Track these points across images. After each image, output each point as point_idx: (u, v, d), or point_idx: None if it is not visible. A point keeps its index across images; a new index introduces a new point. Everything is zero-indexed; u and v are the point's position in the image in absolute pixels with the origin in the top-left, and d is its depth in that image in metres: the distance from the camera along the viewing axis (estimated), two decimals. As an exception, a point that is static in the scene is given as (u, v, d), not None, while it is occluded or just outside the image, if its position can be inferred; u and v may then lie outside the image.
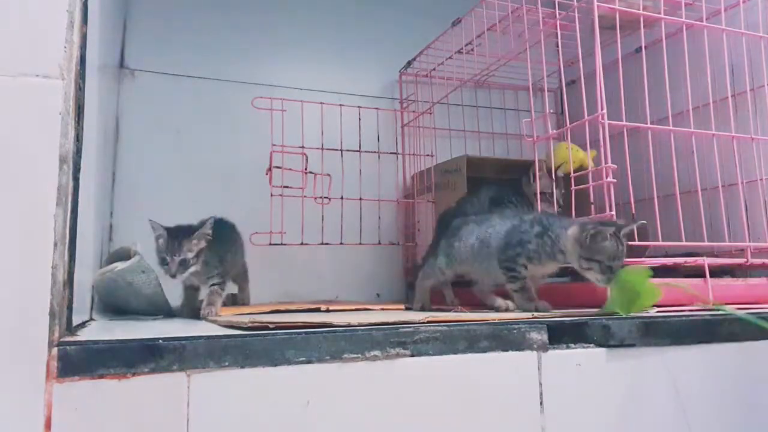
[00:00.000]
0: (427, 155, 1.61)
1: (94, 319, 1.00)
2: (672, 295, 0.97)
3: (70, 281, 0.62)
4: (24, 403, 0.55)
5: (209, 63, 1.57)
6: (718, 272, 1.09)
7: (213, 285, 1.05)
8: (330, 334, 0.65)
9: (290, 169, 1.40)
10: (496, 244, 1.03)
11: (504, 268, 1.01)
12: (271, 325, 0.67)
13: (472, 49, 1.41)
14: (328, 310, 1.06)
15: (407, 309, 1.17)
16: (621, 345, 0.77)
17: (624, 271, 0.89)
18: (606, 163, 1.00)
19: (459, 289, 1.17)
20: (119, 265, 1.03)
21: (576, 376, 0.74)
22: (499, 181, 1.39)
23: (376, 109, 1.59)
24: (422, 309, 1.12)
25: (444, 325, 0.71)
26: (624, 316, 0.83)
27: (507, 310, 1.02)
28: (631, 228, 0.94)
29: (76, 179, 0.64)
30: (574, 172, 1.09)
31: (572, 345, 0.76)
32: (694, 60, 1.19)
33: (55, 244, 0.59)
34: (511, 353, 0.72)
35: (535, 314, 0.85)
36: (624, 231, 0.92)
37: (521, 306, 0.99)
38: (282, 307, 1.05)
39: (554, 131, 1.25)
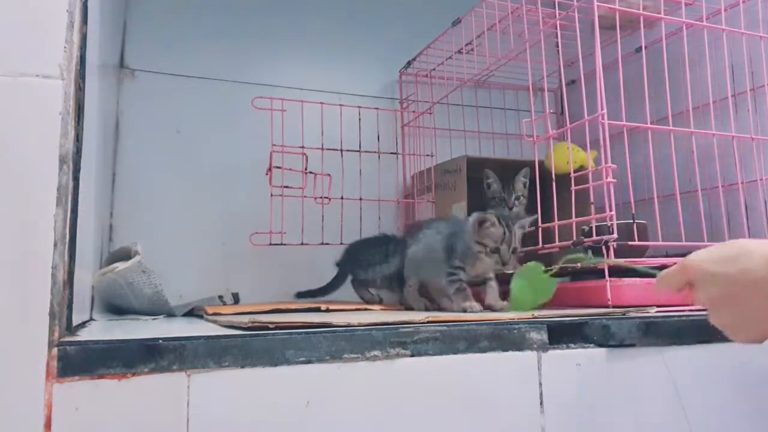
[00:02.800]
0: (427, 155, 1.61)
1: (94, 319, 1.00)
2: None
3: (70, 281, 0.62)
4: (24, 403, 0.55)
5: (209, 63, 1.57)
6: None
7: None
8: (330, 334, 0.65)
9: (290, 169, 1.40)
10: (437, 257, 1.12)
11: (446, 272, 1.08)
12: (271, 325, 0.67)
13: (472, 49, 1.41)
14: (328, 310, 1.06)
15: (407, 309, 1.17)
16: (621, 345, 0.77)
17: (520, 270, 0.96)
18: (606, 163, 1.00)
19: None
20: (119, 265, 1.03)
21: (576, 376, 0.74)
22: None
23: (376, 109, 1.59)
24: (426, 309, 1.15)
25: (444, 325, 0.71)
26: (529, 313, 0.86)
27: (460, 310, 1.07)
28: (529, 220, 1.08)
29: (76, 179, 0.64)
30: (574, 172, 1.09)
31: (572, 345, 0.76)
32: (694, 60, 1.19)
33: (55, 244, 0.59)
34: (511, 353, 0.72)
35: (535, 314, 0.85)
36: (521, 223, 1.06)
37: (459, 307, 1.05)
38: (282, 307, 1.05)
39: (554, 131, 1.25)
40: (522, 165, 1.41)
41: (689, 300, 0.65)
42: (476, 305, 1.04)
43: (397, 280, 1.36)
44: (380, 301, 1.33)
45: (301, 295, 1.38)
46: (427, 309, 1.15)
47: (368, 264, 1.35)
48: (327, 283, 1.38)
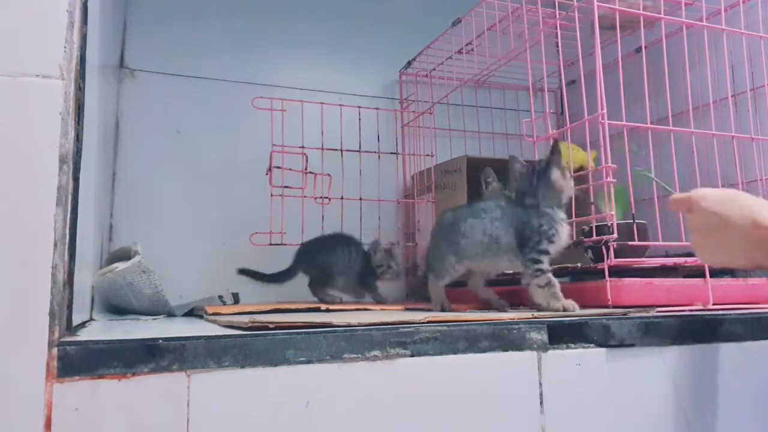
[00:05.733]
0: (427, 155, 1.61)
1: (94, 319, 1.00)
2: (672, 295, 0.97)
3: (70, 281, 0.62)
4: (24, 403, 0.55)
5: (209, 63, 1.57)
6: (718, 272, 1.08)
7: None
8: (330, 334, 0.65)
9: (290, 169, 1.40)
10: (508, 238, 1.00)
11: (529, 260, 0.98)
12: (271, 325, 0.67)
13: (472, 49, 1.41)
14: (328, 310, 1.06)
15: (407, 309, 1.17)
16: (621, 345, 0.77)
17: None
18: (606, 163, 1.00)
19: (460, 290, 1.16)
20: (119, 265, 1.03)
21: (576, 376, 0.74)
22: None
23: (376, 109, 1.59)
24: (443, 309, 1.06)
25: (444, 325, 0.71)
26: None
27: (505, 309, 1.02)
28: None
29: (76, 179, 0.64)
30: (574, 172, 1.09)
31: (572, 345, 0.76)
32: (694, 60, 1.19)
33: (55, 244, 0.59)
34: (511, 353, 0.72)
35: (535, 314, 0.85)
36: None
37: (549, 305, 0.95)
38: (282, 307, 1.05)
39: (554, 131, 1.25)
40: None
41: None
42: (572, 303, 0.93)
43: (361, 280, 1.37)
44: (341, 302, 1.32)
45: (242, 271, 1.37)
46: (443, 309, 1.06)
47: (327, 264, 1.36)
48: (272, 273, 1.38)
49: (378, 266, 1.38)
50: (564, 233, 1.00)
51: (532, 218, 1.00)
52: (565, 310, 0.92)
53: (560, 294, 0.95)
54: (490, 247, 1.02)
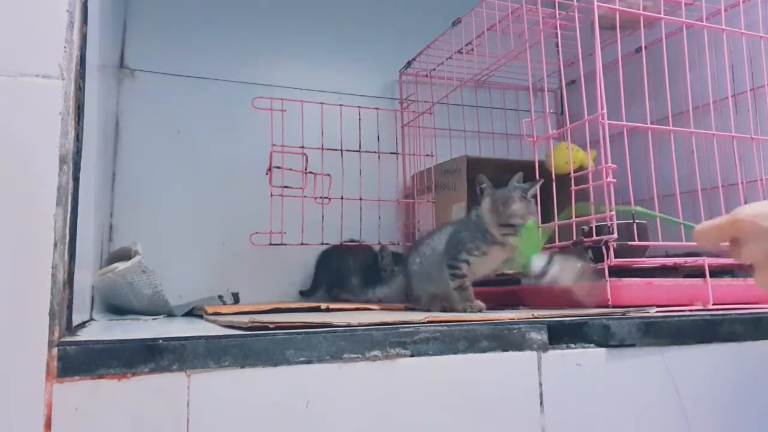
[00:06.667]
0: (427, 155, 1.61)
1: (94, 319, 1.00)
2: (672, 295, 0.97)
3: (70, 281, 0.62)
4: (24, 403, 0.55)
5: (209, 63, 1.57)
6: (718, 272, 1.08)
7: None
8: (330, 334, 0.65)
9: (290, 169, 1.40)
10: (440, 252, 1.09)
11: (448, 266, 1.05)
12: (271, 325, 0.67)
13: (472, 49, 1.41)
14: (328, 310, 1.06)
15: (407, 309, 1.17)
16: (621, 345, 0.77)
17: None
18: (606, 163, 1.00)
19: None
20: (119, 265, 1.03)
21: (576, 376, 0.74)
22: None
23: (376, 109, 1.59)
24: (443, 310, 1.10)
25: (444, 325, 0.71)
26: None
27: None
28: (534, 186, 1.04)
29: (76, 179, 0.64)
30: (574, 172, 1.09)
31: (572, 345, 0.76)
32: (694, 60, 1.19)
33: (55, 244, 0.59)
34: (511, 353, 0.72)
35: (535, 314, 0.85)
36: (530, 192, 1.02)
37: (461, 306, 1.03)
38: (282, 306, 1.05)
39: (554, 131, 1.25)
40: (522, 165, 1.41)
41: (734, 257, 0.61)
42: (479, 304, 1.02)
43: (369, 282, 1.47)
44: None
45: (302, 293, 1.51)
46: (444, 310, 1.10)
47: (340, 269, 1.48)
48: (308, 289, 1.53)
49: (383, 270, 1.44)
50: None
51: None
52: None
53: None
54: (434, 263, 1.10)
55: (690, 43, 1.16)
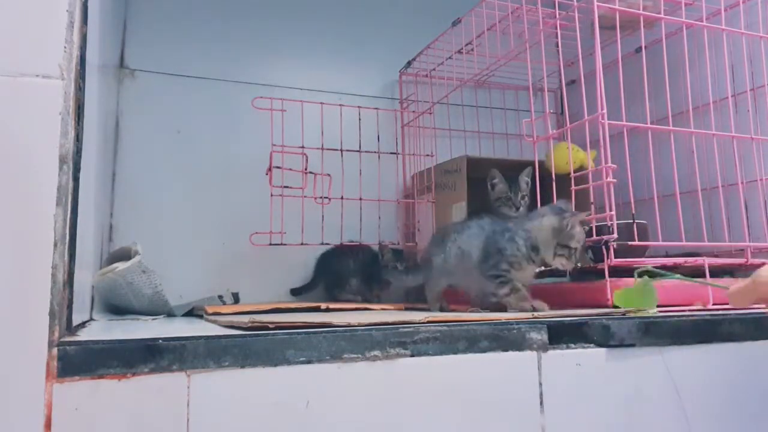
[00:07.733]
0: (427, 155, 1.61)
1: (94, 319, 1.00)
2: (672, 295, 0.97)
3: (70, 281, 0.62)
4: (24, 403, 0.55)
5: (209, 63, 1.57)
6: (718, 272, 1.09)
7: None
8: (330, 334, 0.65)
9: (290, 169, 1.40)
10: (476, 255, 1.06)
11: (490, 276, 1.02)
12: (271, 325, 0.67)
13: (472, 49, 1.41)
14: (328, 310, 1.06)
15: (407, 309, 1.17)
16: (621, 345, 0.77)
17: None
18: (606, 163, 1.00)
19: (460, 290, 1.16)
20: (120, 265, 1.03)
21: (576, 376, 0.74)
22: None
23: (376, 109, 1.59)
24: (441, 310, 1.11)
25: (444, 325, 0.71)
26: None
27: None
28: (582, 216, 0.99)
29: (76, 179, 0.64)
30: (574, 172, 1.09)
31: (572, 345, 0.76)
32: (694, 60, 1.19)
33: (55, 244, 0.59)
34: (511, 353, 0.72)
35: (535, 314, 0.85)
36: (580, 218, 0.98)
37: (518, 307, 0.99)
38: (282, 306, 1.05)
39: (554, 131, 1.25)
40: (522, 165, 1.41)
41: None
42: (540, 303, 0.98)
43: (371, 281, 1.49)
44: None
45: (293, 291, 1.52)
46: (442, 310, 1.11)
47: (341, 269, 1.50)
48: (302, 285, 1.54)
49: (384, 267, 1.45)
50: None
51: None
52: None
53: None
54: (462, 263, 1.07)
55: (690, 43, 1.16)
